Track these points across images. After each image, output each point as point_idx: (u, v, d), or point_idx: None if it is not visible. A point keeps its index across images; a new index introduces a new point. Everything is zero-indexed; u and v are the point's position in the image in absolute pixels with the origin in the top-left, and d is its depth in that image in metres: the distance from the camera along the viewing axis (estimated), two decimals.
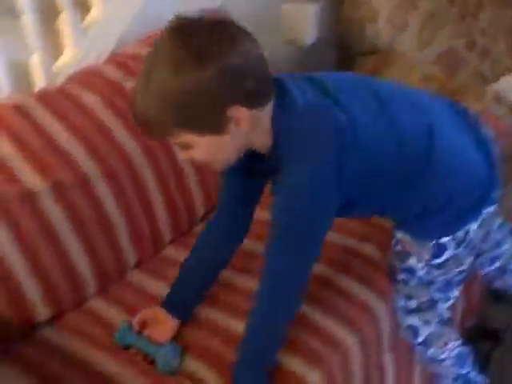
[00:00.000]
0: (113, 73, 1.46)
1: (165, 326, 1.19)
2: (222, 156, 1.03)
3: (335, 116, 1.03)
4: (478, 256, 1.30)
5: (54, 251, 1.25)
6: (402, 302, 1.32)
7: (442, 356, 1.36)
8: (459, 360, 1.38)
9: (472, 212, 1.16)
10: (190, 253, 1.26)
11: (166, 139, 1.01)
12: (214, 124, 0.96)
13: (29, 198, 1.22)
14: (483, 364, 1.52)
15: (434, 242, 1.18)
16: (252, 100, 0.97)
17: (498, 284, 1.49)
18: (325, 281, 1.31)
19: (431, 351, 1.36)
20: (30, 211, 1.22)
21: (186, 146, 1.00)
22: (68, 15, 1.57)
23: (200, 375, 1.14)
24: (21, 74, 1.58)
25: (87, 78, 1.44)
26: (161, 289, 1.32)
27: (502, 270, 1.42)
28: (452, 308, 1.38)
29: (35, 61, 1.55)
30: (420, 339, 1.34)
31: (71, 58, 1.64)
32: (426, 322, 1.32)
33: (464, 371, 1.40)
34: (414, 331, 1.34)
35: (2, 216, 1.19)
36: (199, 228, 1.52)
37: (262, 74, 0.98)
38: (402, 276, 1.29)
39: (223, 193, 1.24)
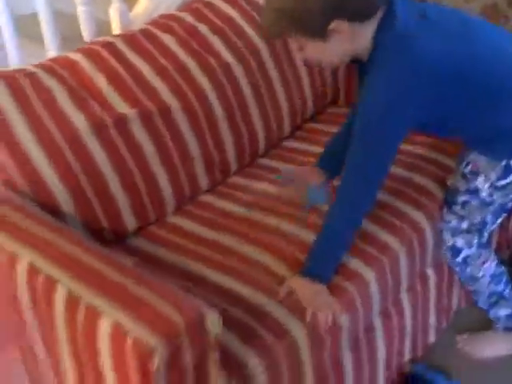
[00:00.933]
0: (187, 18, 1.63)
1: (314, 171, 1.50)
2: (327, 59, 1.25)
3: (428, 40, 1.18)
4: None
5: (141, 170, 1.44)
6: (453, 223, 1.46)
7: (480, 274, 1.51)
8: (495, 278, 1.53)
9: None
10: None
11: (285, 39, 1.26)
12: (319, 32, 1.18)
13: (121, 122, 1.40)
14: None
15: (504, 162, 1.33)
16: (353, 16, 1.16)
17: None
18: (380, 203, 1.45)
19: (469, 269, 1.51)
20: (121, 134, 1.40)
21: (300, 48, 1.23)
22: None
23: (274, 269, 1.31)
24: (100, 24, 1.77)
25: (164, 22, 1.61)
26: (234, 208, 1.50)
27: None
28: (491, 234, 1.53)
29: (114, 11, 1.73)
30: (459, 259, 1.50)
31: (145, 8, 1.82)
32: (469, 244, 1.47)
33: (499, 288, 1.54)
34: (456, 251, 1.49)
35: (100, 138, 1.37)
36: (261, 161, 1.71)
37: None
38: (463, 198, 1.43)
39: None
